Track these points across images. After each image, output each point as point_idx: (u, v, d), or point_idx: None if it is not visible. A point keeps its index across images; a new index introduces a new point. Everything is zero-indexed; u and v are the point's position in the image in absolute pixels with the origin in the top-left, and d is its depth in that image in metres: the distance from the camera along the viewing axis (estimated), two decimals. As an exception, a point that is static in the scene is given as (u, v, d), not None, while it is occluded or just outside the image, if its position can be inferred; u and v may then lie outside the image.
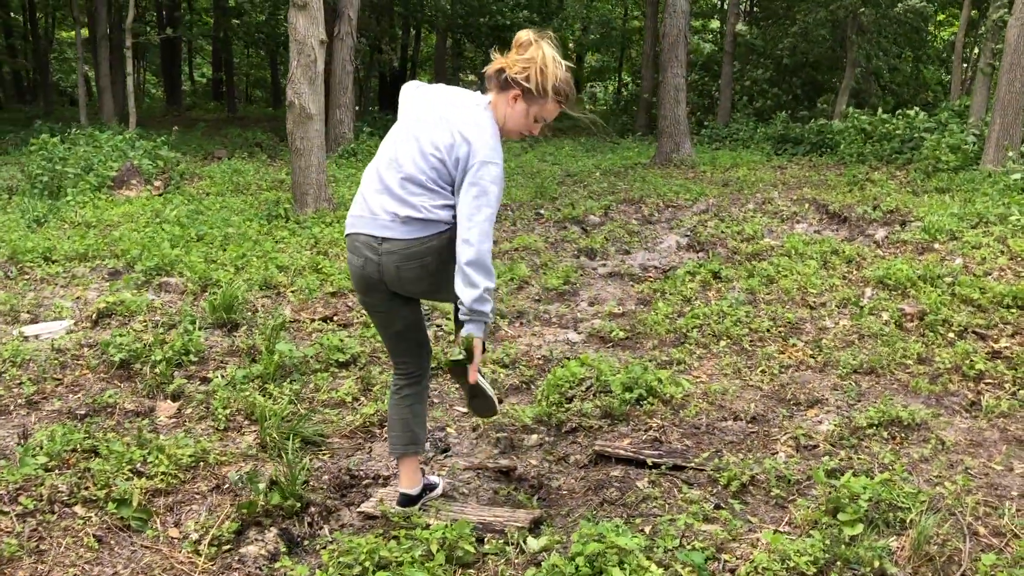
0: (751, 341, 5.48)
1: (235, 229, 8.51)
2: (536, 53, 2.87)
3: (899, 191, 11.30)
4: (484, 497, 3.55)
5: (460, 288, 2.79)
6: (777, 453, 3.98)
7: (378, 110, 26.41)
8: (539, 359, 5.16)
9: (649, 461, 3.80)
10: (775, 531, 3.19)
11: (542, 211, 10.23)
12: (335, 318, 5.82)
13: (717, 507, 3.47)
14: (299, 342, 5.31)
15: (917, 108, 16.17)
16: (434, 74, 29.45)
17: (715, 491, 3.60)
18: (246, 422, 4.20)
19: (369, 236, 2.94)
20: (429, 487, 3.43)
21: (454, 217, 2.88)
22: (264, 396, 4.42)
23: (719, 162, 15.01)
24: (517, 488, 3.62)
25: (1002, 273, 7.02)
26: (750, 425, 4.24)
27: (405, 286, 2.99)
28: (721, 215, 9.87)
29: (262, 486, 3.37)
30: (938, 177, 12.07)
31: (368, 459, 3.92)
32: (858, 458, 3.84)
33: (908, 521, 3.26)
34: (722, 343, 5.42)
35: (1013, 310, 5.99)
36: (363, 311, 5.86)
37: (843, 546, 3.01)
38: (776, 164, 15.12)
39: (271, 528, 3.25)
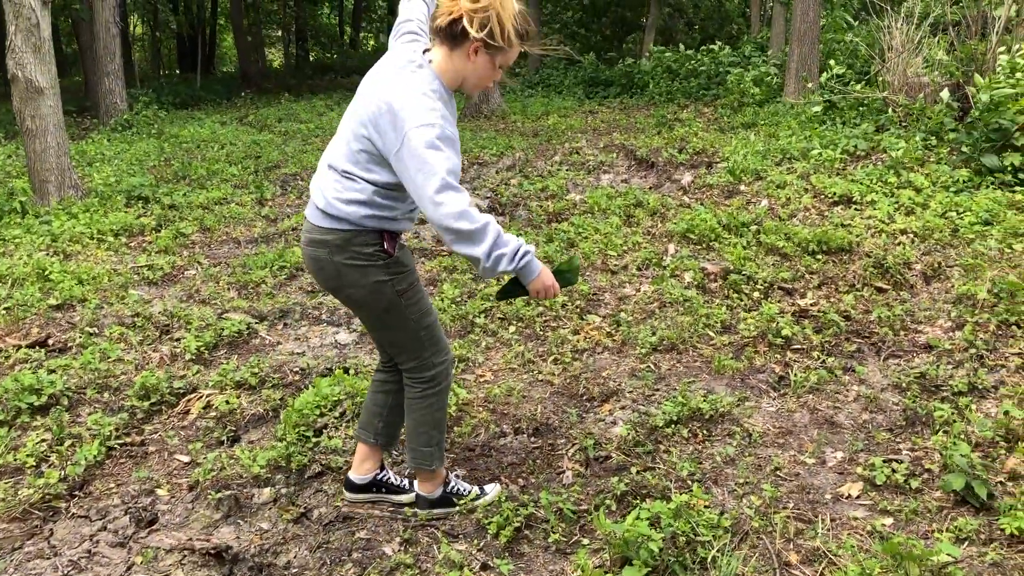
0: (544, 322, 4.83)
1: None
2: None
3: (706, 129, 11.04)
4: (184, 595, 2.72)
5: (469, 257, 2.47)
6: (563, 472, 3.33)
7: (178, 74, 24.29)
8: (296, 372, 4.31)
9: (408, 511, 3.07)
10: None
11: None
12: (49, 341, 4.74)
13: (485, 567, 2.79)
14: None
15: (721, 43, 16.09)
16: (233, 31, 27.37)
17: (484, 543, 2.91)
18: None
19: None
20: (395, 489, 3.15)
21: (366, 218, 2.60)
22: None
23: (530, 111, 14.40)
24: None
25: (806, 214, 6.71)
26: (533, 439, 3.58)
27: (316, 281, 2.80)
28: (527, 171, 9.23)
29: None
30: (744, 112, 11.91)
31: (48, 550, 2.99)
32: (654, 473, 3.24)
33: (709, 560, 2.67)
34: (512, 328, 4.75)
35: (819, 256, 5.64)
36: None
37: (628, 617, 2.38)
38: (587, 109, 14.67)
39: None
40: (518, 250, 2.48)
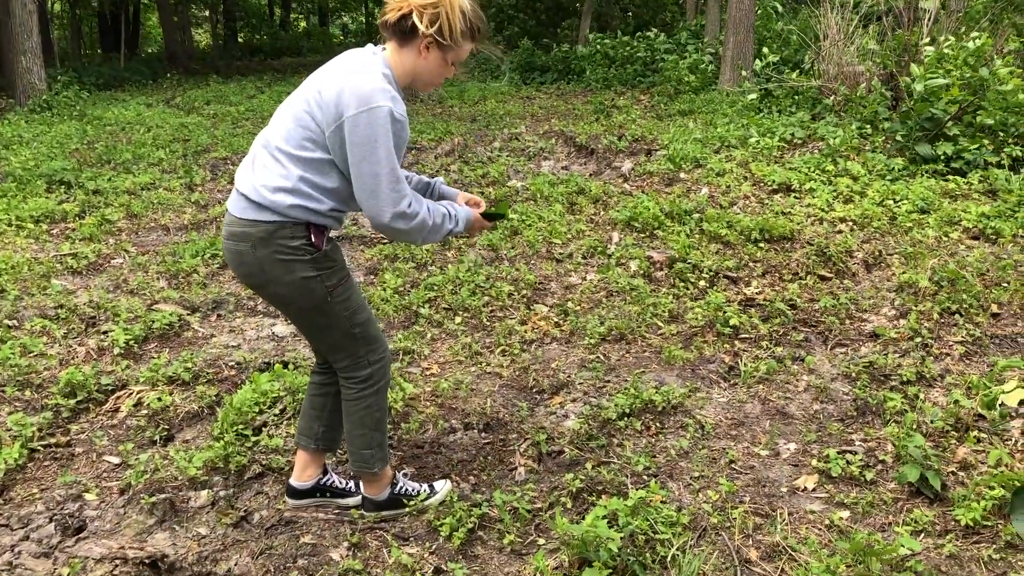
0: (491, 312, 4.72)
1: None
2: None
3: (644, 116, 11.03)
4: (117, 609, 2.54)
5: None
6: (516, 468, 3.24)
7: (100, 54, 23.34)
8: (231, 367, 4.12)
9: (355, 513, 2.94)
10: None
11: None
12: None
13: (438, 571, 2.67)
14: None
15: (656, 30, 16.14)
16: (158, 10, 26.42)
17: (436, 545, 2.79)
18: None
19: None
20: (341, 492, 3.00)
21: (292, 208, 2.45)
22: None
23: (467, 95, 14.23)
24: (167, 586, 2.64)
25: (747, 202, 6.73)
26: (483, 435, 3.47)
27: (238, 277, 2.63)
28: (467, 156, 9.08)
29: None
30: (680, 99, 11.95)
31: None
32: (609, 467, 3.17)
33: (669, 558, 2.61)
34: (458, 319, 4.63)
35: (761, 244, 5.65)
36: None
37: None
38: (525, 94, 14.56)
39: None
40: (449, 231, 2.59)
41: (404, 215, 2.43)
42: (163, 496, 3.03)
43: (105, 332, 4.47)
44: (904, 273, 4.94)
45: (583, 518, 2.82)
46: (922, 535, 2.78)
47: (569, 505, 2.95)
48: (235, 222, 2.53)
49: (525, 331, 4.45)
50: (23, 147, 9.85)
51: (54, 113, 12.80)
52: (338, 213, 2.58)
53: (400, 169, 2.45)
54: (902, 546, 2.52)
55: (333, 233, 2.68)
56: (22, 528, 2.93)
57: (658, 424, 3.49)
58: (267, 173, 2.50)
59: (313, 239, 2.52)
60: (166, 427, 3.55)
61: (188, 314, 4.78)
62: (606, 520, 2.67)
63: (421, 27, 2.42)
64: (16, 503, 3.07)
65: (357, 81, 2.39)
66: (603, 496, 2.96)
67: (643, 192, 7.11)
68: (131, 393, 3.78)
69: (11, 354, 4.03)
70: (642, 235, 5.97)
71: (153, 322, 4.53)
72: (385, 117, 2.36)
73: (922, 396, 3.62)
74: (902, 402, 3.54)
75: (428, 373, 4.04)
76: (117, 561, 2.72)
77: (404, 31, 2.45)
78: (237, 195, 2.56)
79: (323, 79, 2.48)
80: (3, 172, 8.02)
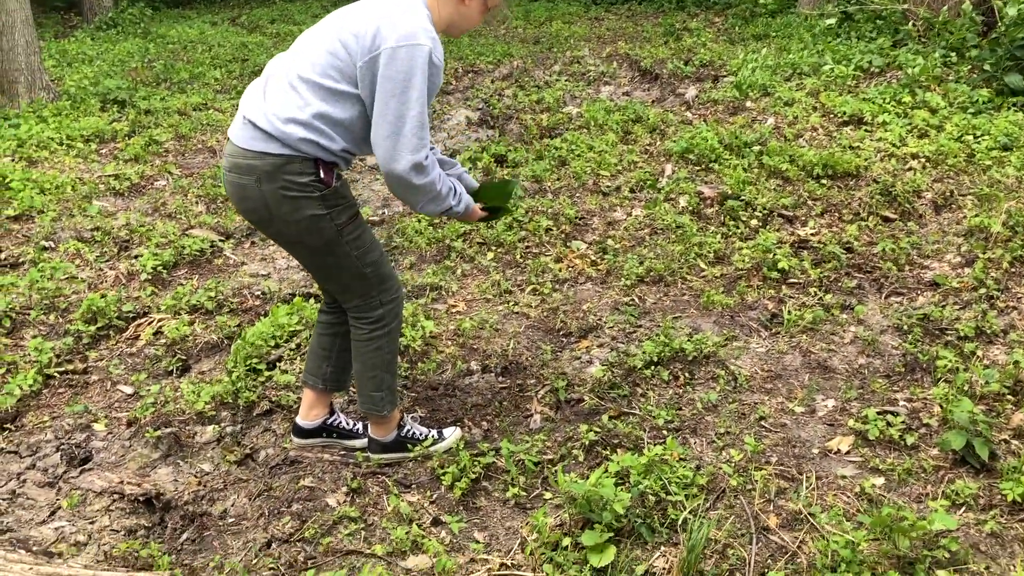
0: (526, 248, 4.53)
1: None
2: None
3: (715, 40, 10.49)
4: (107, 546, 2.50)
5: (403, 200, 2.44)
6: (531, 415, 3.09)
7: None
8: (256, 297, 4.05)
9: (360, 455, 2.85)
10: (488, 575, 2.30)
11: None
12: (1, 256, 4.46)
13: (436, 522, 2.57)
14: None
15: (736, -53, 15.29)
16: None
17: (437, 495, 2.68)
18: None
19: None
20: (347, 433, 2.92)
21: (302, 142, 2.32)
22: None
23: (533, 15, 13.77)
24: (160, 525, 2.59)
25: (813, 134, 6.32)
26: (501, 379, 3.33)
27: (240, 213, 2.51)
28: (523, 81, 8.78)
29: None
30: (756, 23, 11.31)
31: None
32: (628, 420, 3.00)
33: (680, 521, 2.44)
34: (491, 255, 4.45)
35: (823, 181, 5.30)
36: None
37: (583, 590, 2.16)
38: (593, 15, 14.01)
39: None
40: (449, 208, 2.48)
41: (420, 167, 2.31)
42: (169, 430, 2.99)
43: (136, 256, 4.44)
44: (976, 216, 4.56)
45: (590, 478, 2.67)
46: (962, 509, 2.55)
47: (581, 458, 2.80)
48: (239, 153, 2.39)
49: (559, 269, 4.26)
50: (85, 65, 9.88)
51: (119, 31, 12.82)
52: (348, 155, 2.45)
53: (427, 117, 2.31)
54: (935, 521, 2.30)
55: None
56: (30, 456, 2.92)
57: (687, 374, 3.29)
58: (281, 102, 2.36)
59: (323, 175, 2.38)
60: (183, 357, 3.49)
61: (221, 240, 4.71)
62: (616, 478, 2.52)
63: None
64: (27, 430, 3.07)
65: (400, 16, 2.30)
66: (618, 451, 2.80)
67: (704, 121, 6.75)
68: (152, 321, 3.74)
69: (39, 277, 4.02)
70: (697, 168, 5.65)
71: (184, 248, 4.47)
72: (425, 57, 2.27)
73: (979, 354, 3.34)
74: (955, 360, 3.26)
75: (454, 311, 3.89)
76: (115, 496, 2.68)
77: None
78: (243, 123, 2.41)
79: (361, 9, 2.38)
80: (59, 90, 8.04)
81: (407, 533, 2.47)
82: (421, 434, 2.86)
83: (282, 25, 13.69)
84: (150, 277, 4.19)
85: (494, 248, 4.51)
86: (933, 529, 2.30)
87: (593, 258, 4.38)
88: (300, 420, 2.90)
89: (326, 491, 2.70)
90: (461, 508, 2.62)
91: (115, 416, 3.14)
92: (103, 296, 3.83)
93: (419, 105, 2.27)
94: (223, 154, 2.47)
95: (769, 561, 2.36)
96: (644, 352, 3.36)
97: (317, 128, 2.33)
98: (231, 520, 2.61)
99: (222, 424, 3.05)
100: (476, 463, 2.73)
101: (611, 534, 2.33)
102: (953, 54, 7.49)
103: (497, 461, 2.79)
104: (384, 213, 5.20)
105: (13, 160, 6.15)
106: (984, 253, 4.18)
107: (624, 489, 2.48)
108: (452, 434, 2.90)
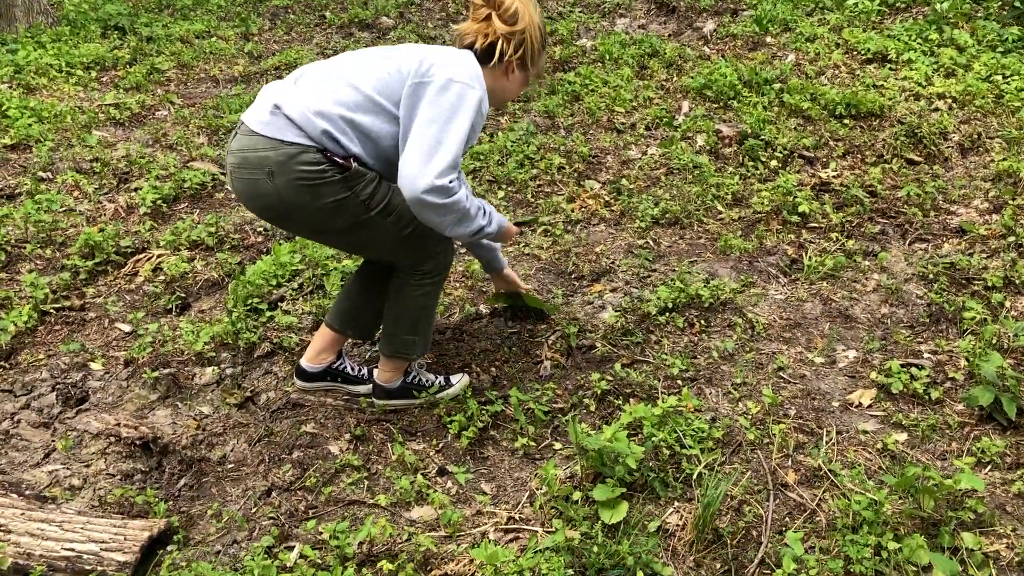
0: (538, 186, 4.39)
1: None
2: (525, 20, 2.39)
3: (734, -27, 10.14)
4: (103, 490, 2.42)
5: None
6: (541, 362, 2.99)
7: None
8: (258, 233, 3.92)
9: (364, 401, 2.76)
10: (495, 529, 2.22)
11: (326, 13, 8.56)
12: (-5, 188, 4.33)
13: (442, 472, 2.49)
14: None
15: None
16: None
17: (444, 443, 2.60)
18: None
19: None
20: (352, 379, 2.83)
21: (323, 134, 2.23)
22: None
23: (546, -56, 13.33)
24: (158, 470, 2.51)
25: (836, 72, 6.10)
26: (511, 323, 3.21)
27: (253, 212, 2.39)
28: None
29: None
30: (777, -46, 10.93)
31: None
32: (641, 369, 2.90)
33: (695, 477, 2.36)
34: (501, 193, 4.31)
35: (846, 120, 5.11)
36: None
37: (595, 548, 2.08)
38: (608, -56, 13.56)
39: None
40: (481, 228, 2.39)
41: (444, 189, 2.19)
42: (167, 371, 2.90)
43: (135, 189, 4.31)
44: (1004, 160, 4.39)
45: (607, 423, 2.58)
46: (988, 468, 2.46)
47: (592, 408, 2.70)
48: (249, 145, 2.26)
49: (572, 209, 4.12)
50: (84, -11, 9.60)
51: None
52: (357, 162, 2.33)
53: (460, 159, 2.24)
54: (961, 480, 2.21)
55: None
56: (25, 395, 2.84)
57: (703, 322, 3.18)
58: (317, 94, 2.27)
59: (339, 161, 2.26)
60: (182, 295, 3.39)
61: (223, 173, 4.57)
62: (628, 429, 2.43)
63: (508, 52, 2.40)
64: (22, 368, 2.98)
65: (460, 62, 2.30)
66: (630, 401, 2.71)
67: (722, 57, 6.52)
68: (150, 257, 3.63)
69: (33, 210, 3.89)
70: (715, 105, 5.46)
71: (185, 181, 4.33)
72: (476, 100, 2.26)
73: (1008, 305, 3.21)
74: (983, 311, 3.14)
75: (461, 251, 3.77)
76: (111, 439, 2.60)
77: (490, 55, 2.40)
78: (262, 108, 2.28)
79: (423, 46, 2.38)
80: (58, 15, 7.81)
81: (412, 483, 2.39)
82: (428, 381, 2.77)
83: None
84: (149, 211, 4.07)
85: (505, 186, 4.36)
86: (959, 489, 2.21)
87: (607, 198, 4.23)
88: (305, 362, 2.80)
89: (328, 438, 2.61)
90: (468, 458, 2.54)
91: (112, 355, 3.05)
92: (101, 230, 3.71)
93: (457, 141, 2.21)
94: (227, 150, 2.31)
95: (787, 519, 2.27)
96: (658, 297, 3.24)
97: (342, 127, 2.26)
98: (230, 466, 2.53)
99: (222, 366, 2.96)
100: (484, 411, 2.64)
101: (623, 489, 2.25)
102: (984, -11, 7.20)
103: (506, 409, 2.70)
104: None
105: (10, 87, 5.98)
106: (1013, 199, 4.02)
107: (637, 442, 2.39)
108: (459, 381, 2.81)
